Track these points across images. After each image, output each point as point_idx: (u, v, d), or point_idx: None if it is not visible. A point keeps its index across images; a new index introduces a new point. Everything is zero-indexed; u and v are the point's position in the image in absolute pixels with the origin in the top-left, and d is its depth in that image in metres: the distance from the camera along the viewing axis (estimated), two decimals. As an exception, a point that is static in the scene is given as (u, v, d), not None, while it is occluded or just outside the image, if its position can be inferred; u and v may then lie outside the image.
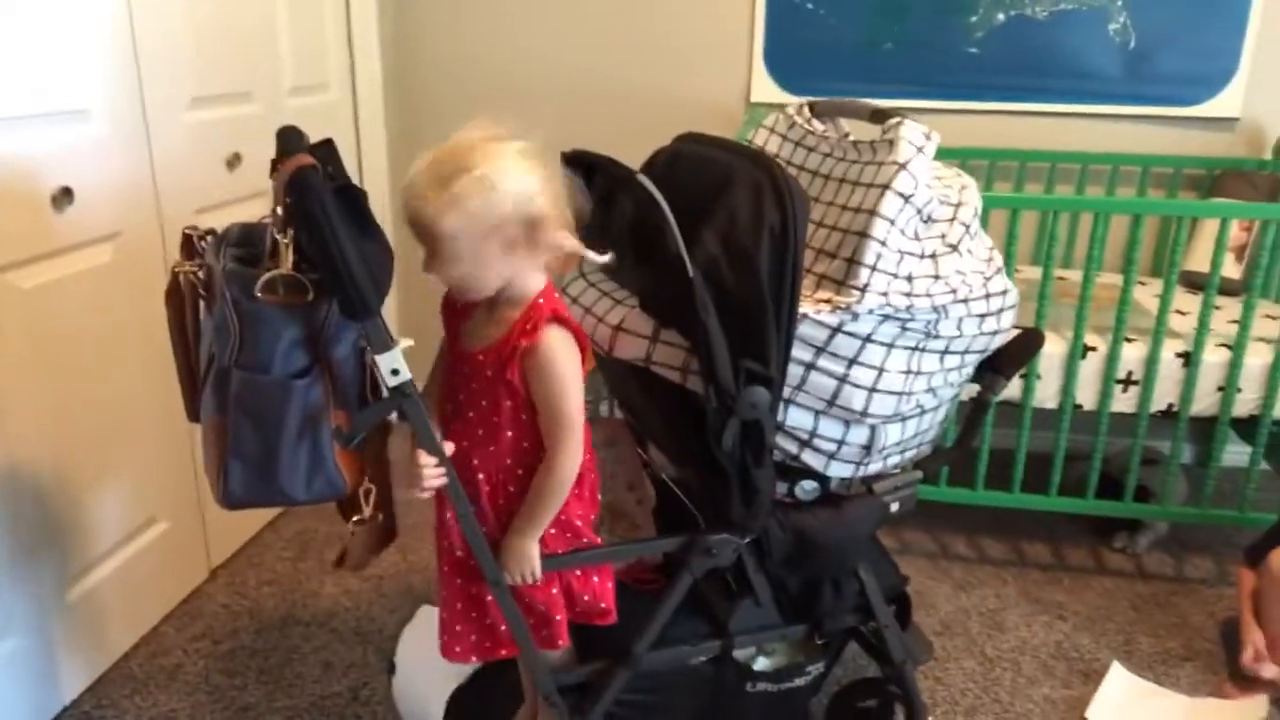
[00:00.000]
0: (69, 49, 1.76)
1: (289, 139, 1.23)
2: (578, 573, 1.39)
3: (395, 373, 1.20)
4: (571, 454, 1.27)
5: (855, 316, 1.30)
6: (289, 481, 1.20)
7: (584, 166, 1.50)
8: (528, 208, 1.19)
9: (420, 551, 2.40)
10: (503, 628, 1.37)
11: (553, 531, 1.35)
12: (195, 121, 2.12)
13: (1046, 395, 2.31)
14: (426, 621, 1.98)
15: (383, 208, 3.03)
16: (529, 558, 1.32)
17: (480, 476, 1.32)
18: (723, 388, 1.26)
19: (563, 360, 1.23)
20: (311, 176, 1.10)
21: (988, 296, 1.40)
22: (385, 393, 1.22)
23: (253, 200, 2.28)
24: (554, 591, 1.38)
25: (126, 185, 1.92)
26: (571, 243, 1.26)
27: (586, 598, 1.41)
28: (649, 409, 1.52)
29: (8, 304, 1.65)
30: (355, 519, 1.35)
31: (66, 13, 1.74)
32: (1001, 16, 2.77)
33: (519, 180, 1.18)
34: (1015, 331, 1.52)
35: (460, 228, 1.17)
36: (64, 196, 1.75)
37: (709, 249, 1.28)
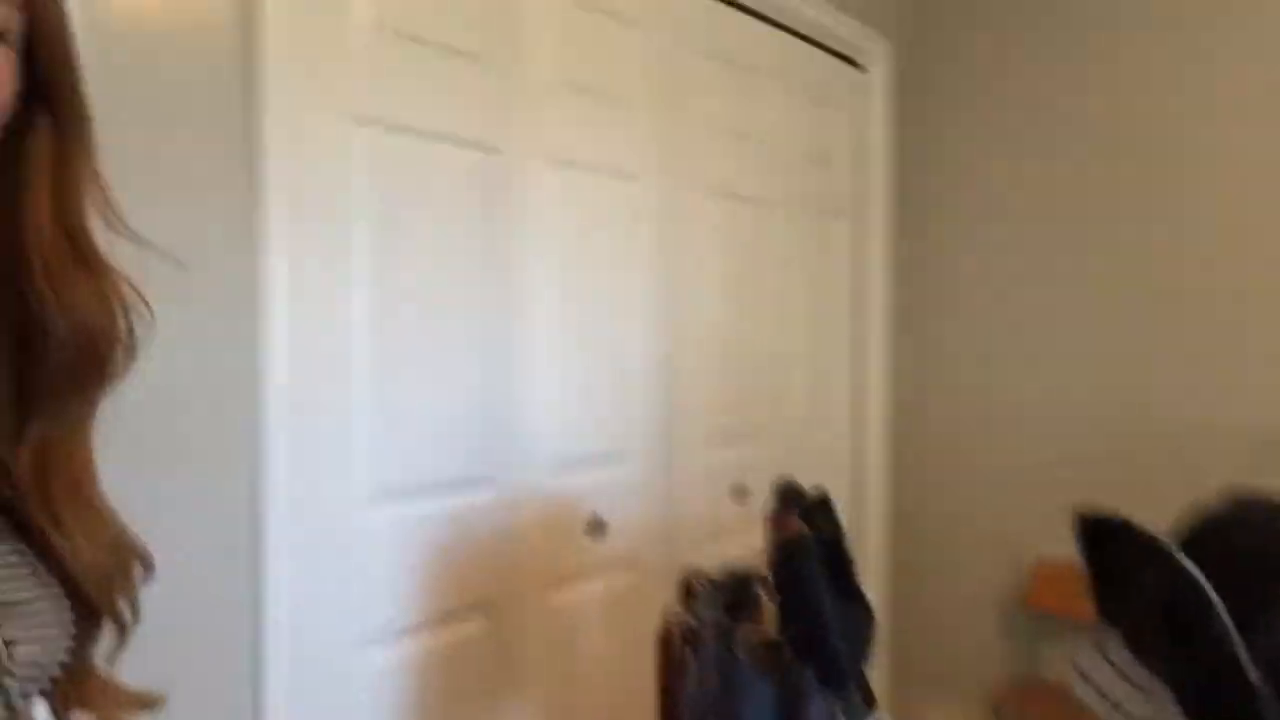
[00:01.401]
0: (620, 404, 2.09)
1: (786, 496, 1.29)
2: None
3: (872, 752, 1.10)
4: None
5: None
6: None
7: (1094, 530, 1.33)
8: None
9: None
10: None
11: None
12: (710, 458, 2.35)
13: None
14: None
15: (876, 555, 3.00)
16: None
17: None
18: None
19: None
20: (802, 548, 1.12)
21: None
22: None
23: (754, 530, 2.40)
24: None
25: (647, 517, 2.15)
26: None
27: None
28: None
29: (539, 618, 1.89)
30: None
31: (620, 375, 2.09)
32: None
33: None
34: None
35: None
36: (597, 526, 2.00)
37: (1276, 641, 1.02)
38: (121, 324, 0.60)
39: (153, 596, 1.24)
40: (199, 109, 1.30)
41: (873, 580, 2.86)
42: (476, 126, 1.74)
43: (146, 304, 0.61)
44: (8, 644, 0.56)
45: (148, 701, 0.71)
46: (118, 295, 0.59)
